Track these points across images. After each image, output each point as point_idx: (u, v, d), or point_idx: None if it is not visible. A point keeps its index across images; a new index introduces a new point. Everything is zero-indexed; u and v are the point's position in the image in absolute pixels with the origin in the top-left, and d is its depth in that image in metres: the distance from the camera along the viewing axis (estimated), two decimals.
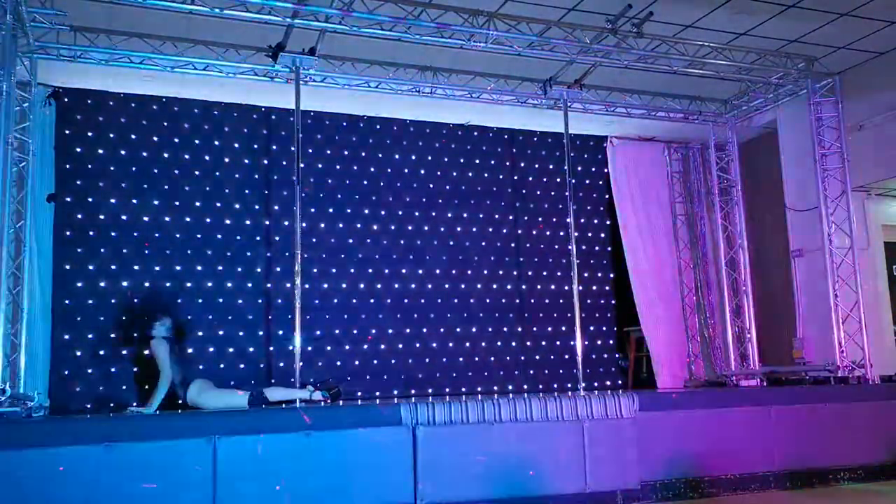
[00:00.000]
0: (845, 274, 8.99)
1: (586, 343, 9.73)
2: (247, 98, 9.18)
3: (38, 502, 5.12)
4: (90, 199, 8.54)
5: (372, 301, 9.54)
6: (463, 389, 9.60)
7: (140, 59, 8.11)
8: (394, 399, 8.55)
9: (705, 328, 10.99)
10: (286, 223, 9.07)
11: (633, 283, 10.62)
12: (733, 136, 10.55)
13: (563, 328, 10.24)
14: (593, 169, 10.98)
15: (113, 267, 8.50)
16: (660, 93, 10.08)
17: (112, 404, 8.17)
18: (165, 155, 8.93)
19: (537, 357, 10.23)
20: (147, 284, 8.60)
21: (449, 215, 10.10)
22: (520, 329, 10.22)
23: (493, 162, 10.45)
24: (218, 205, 9.04)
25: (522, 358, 10.18)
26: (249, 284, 9.03)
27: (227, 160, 9.18)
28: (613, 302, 10.85)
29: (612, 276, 10.87)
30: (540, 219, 10.58)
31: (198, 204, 8.97)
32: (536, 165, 10.68)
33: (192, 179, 9.00)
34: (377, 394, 9.23)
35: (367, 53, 8.70)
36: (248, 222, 9.18)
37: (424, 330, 9.73)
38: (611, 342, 10.78)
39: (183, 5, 7.21)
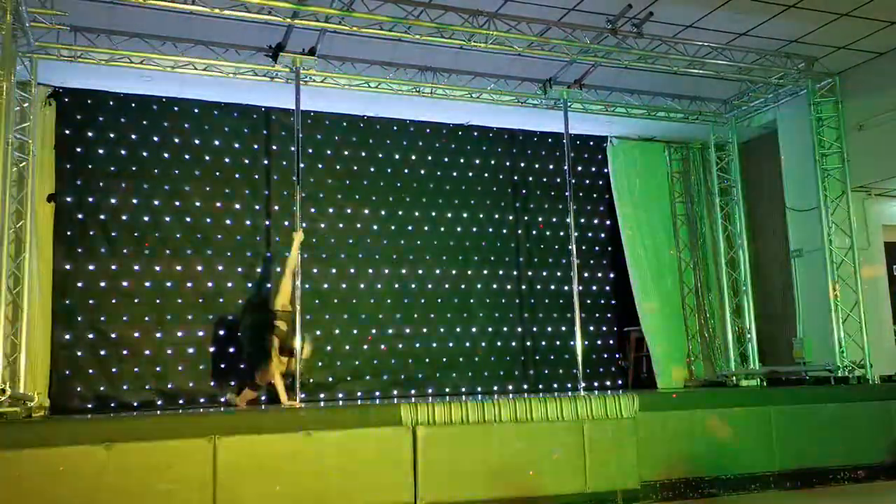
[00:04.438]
0: (845, 274, 9.00)
1: (586, 343, 9.73)
2: (247, 98, 9.17)
3: (38, 502, 5.12)
4: (90, 199, 8.54)
5: (372, 301, 9.54)
6: (463, 389, 9.60)
7: (140, 59, 8.11)
8: (394, 399, 8.54)
9: (705, 328, 10.99)
10: (286, 223, 9.06)
11: (633, 283, 10.61)
12: (733, 136, 10.55)
13: (563, 328, 10.24)
14: (593, 169, 10.98)
15: (113, 266, 8.50)
16: (660, 93, 10.07)
17: (113, 404, 8.18)
18: (165, 155, 8.93)
19: (537, 357, 10.23)
20: (147, 285, 8.61)
21: (449, 215, 10.10)
22: (520, 329, 10.22)
23: (493, 162, 10.45)
24: (218, 205, 9.04)
25: (522, 358, 10.17)
26: (249, 284, 9.03)
27: (227, 160, 9.18)
28: (613, 302, 10.85)
29: (612, 276, 10.87)
30: (540, 219, 10.57)
31: (198, 204, 8.97)
32: (536, 165, 10.68)
33: (192, 179, 9.00)
34: (377, 394, 9.24)
35: (367, 53, 8.69)
36: (248, 222, 9.18)
37: (424, 330, 9.72)
38: (611, 342, 10.77)
39: (183, 5, 7.21)
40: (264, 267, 9.11)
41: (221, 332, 8.81)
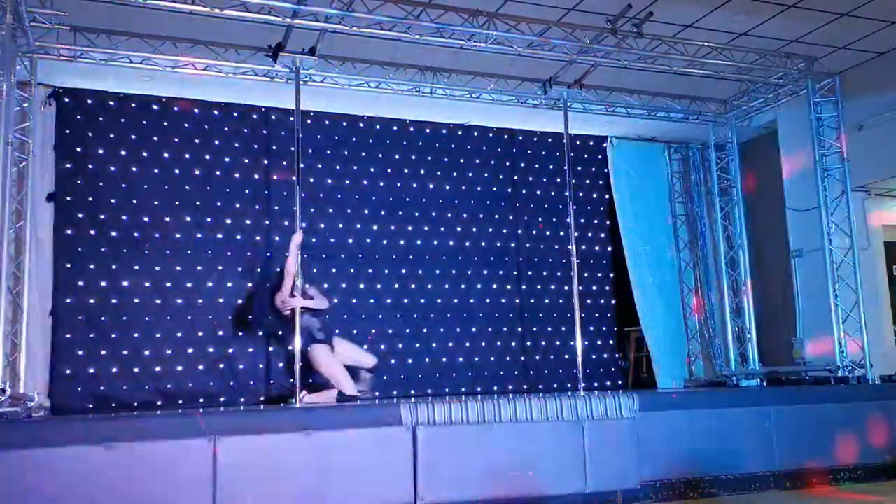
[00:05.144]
0: (845, 274, 9.00)
1: (586, 343, 9.72)
2: (247, 98, 9.17)
3: (38, 502, 5.12)
4: (90, 199, 8.53)
5: (372, 301, 9.54)
6: (463, 390, 9.59)
7: (140, 59, 8.11)
8: (394, 399, 8.54)
9: (705, 328, 10.99)
10: (286, 223, 9.06)
11: (633, 283, 10.61)
12: (733, 136, 10.55)
13: (563, 328, 10.23)
14: (593, 169, 10.97)
15: (113, 267, 8.50)
16: (660, 93, 10.07)
17: (113, 404, 8.18)
18: (165, 155, 8.92)
19: (537, 357, 10.23)
20: (147, 285, 8.61)
21: (449, 215, 10.09)
22: (520, 329, 10.21)
23: (493, 162, 10.44)
24: (218, 204, 9.03)
25: (522, 358, 10.17)
26: (249, 284, 9.03)
27: (227, 160, 9.17)
28: (613, 302, 10.85)
29: (612, 276, 10.86)
30: (540, 219, 10.57)
31: (198, 204, 8.96)
32: (536, 165, 10.67)
33: (192, 179, 8.99)
34: (377, 394, 9.23)
35: (367, 53, 8.69)
36: (248, 222, 9.17)
37: (424, 330, 9.72)
38: (611, 342, 10.77)
39: (183, 5, 7.21)
40: (264, 267, 9.10)
41: (220, 333, 8.82)
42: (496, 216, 10.35)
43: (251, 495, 5.54)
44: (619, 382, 10.64)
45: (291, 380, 7.57)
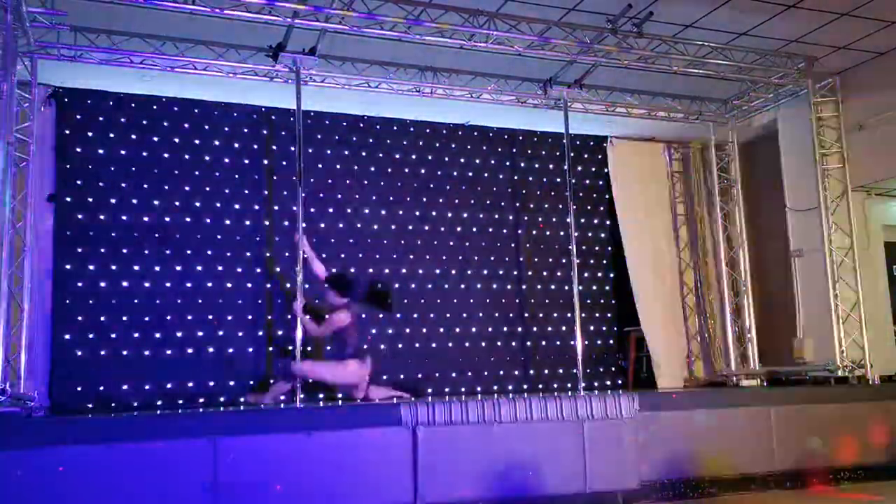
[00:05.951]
0: (845, 274, 9.00)
1: (586, 343, 9.72)
2: (247, 98, 9.17)
3: (38, 502, 5.13)
4: (90, 199, 8.53)
5: None
6: (463, 389, 9.59)
7: (140, 59, 8.10)
8: (394, 399, 8.55)
9: (705, 328, 10.98)
10: (286, 223, 9.06)
11: (633, 283, 10.60)
12: (733, 136, 10.55)
13: (563, 328, 10.23)
14: (593, 169, 10.97)
15: (113, 267, 8.49)
16: (660, 93, 10.07)
17: (113, 404, 8.18)
18: (165, 155, 8.92)
19: (537, 357, 10.23)
20: (147, 285, 8.60)
21: (449, 215, 10.09)
22: (520, 329, 10.21)
23: (493, 162, 10.44)
24: (218, 205, 9.03)
25: (522, 358, 10.17)
26: (249, 285, 9.02)
27: (227, 160, 9.17)
28: (613, 302, 10.84)
29: (612, 276, 10.86)
30: (540, 219, 10.57)
31: (198, 204, 8.95)
32: (536, 165, 10.67)
33: (192, 179, 8.99)
34: None
35: (367, 53, 8.69)
36: (248, 222, 9.17)
37: (424, 330, 9.71)
38: (611, 342, 10.77)
39: (183, 5, 7.21)
40: (264, 267, 9.10)
41: (221, 333, 8.81)
42: (496, 216, 10.35)
43: (251, 495, 5.54)
44: (619, 382, 10.64)
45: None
